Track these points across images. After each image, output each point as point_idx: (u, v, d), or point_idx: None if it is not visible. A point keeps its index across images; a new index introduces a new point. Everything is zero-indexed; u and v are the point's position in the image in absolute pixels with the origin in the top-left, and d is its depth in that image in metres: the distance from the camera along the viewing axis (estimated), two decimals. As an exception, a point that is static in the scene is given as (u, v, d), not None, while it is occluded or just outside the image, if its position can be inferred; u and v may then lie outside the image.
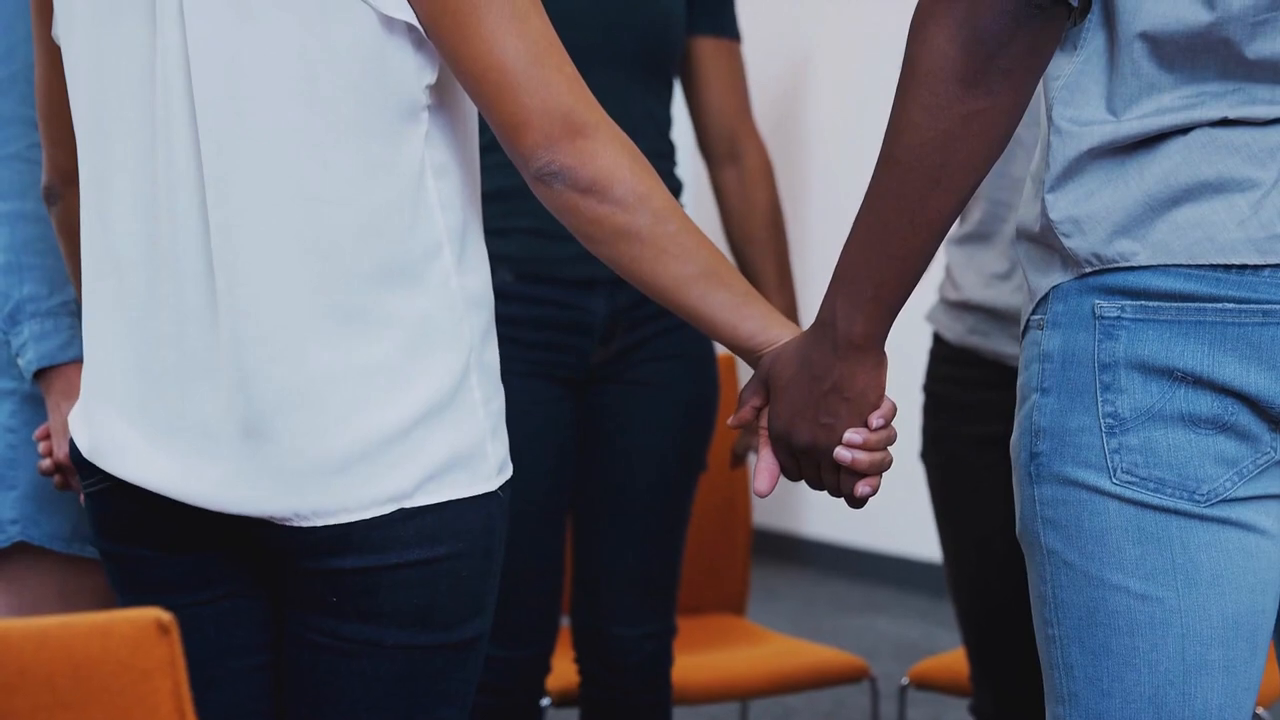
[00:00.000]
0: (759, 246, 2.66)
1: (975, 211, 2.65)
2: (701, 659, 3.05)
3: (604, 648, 2.65)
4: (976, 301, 2.62)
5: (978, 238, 2.65)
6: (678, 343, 2.59)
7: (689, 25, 2.60)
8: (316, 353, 1.62)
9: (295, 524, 1.63)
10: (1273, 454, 1.61)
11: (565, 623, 2.78)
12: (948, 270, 2.72)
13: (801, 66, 5.94)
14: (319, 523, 1.62)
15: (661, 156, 2.59)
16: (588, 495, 2.64)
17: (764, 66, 5.99)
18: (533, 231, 2.49)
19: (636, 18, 2.51)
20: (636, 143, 2.49)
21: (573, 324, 2.53)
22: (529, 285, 2.51)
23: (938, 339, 2.74)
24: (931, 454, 2.73)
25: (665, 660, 2.69)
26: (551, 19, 2.39)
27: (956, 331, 2.67)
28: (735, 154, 2.66)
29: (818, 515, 6.07)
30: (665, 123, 2.61)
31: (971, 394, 2.64)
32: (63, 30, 1.71)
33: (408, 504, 1.63)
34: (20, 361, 2.05)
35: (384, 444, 1.62)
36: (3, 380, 2.11)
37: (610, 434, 2.61)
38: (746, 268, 2.68)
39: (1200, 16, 1.56)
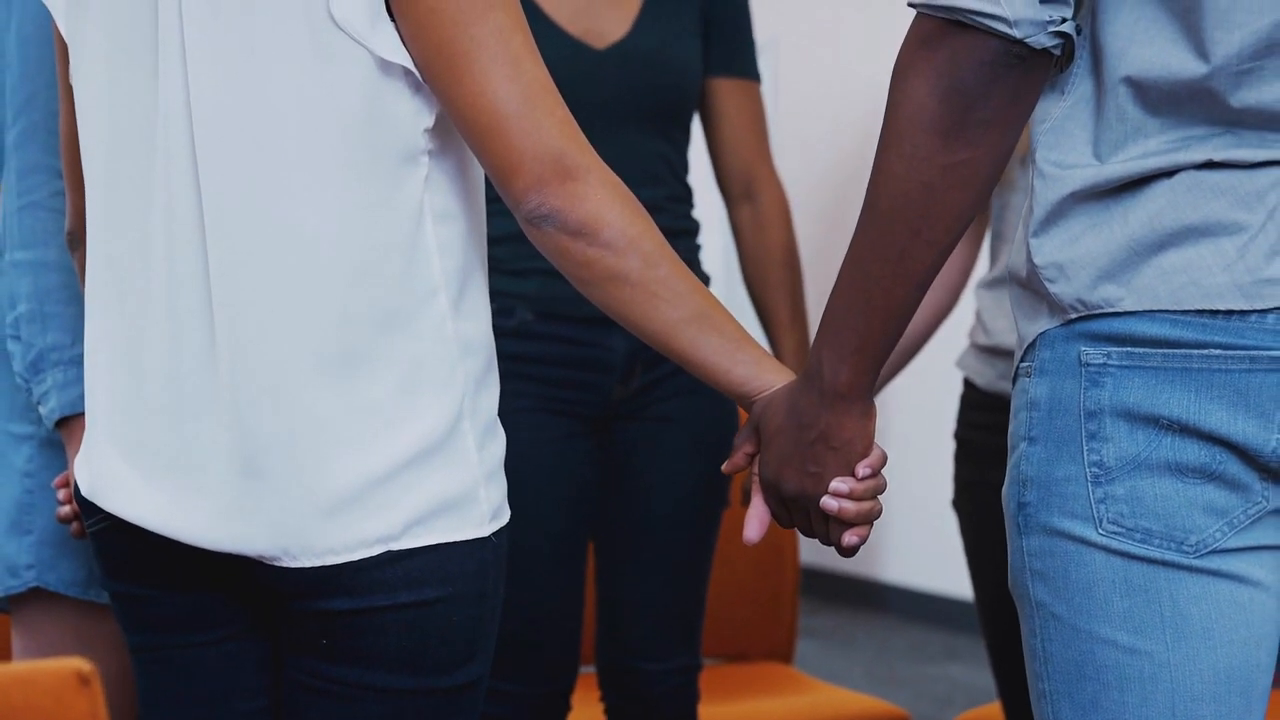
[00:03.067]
0: (773, 286, 2.65)
1: (1005, 255, 2.62)
2: (738, 708, 3.02)
3: (629, 683, 2.63)
4: (1007, 346, 2.59)
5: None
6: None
7: (708, 66, 2.60)
8: (309, 393, 1.62)
9: (285, 564, 1.63)
10: (1265, 503, 1.56)
11: (590, 670, 2.76)
12: (978, 315, 2.69)
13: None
14: (307, 563, 1.62)
15: (678, 200, 2.59)
16: (610, 531, 2.63)
17: (847, 110, 5.97)
18: (550, 272, 2.48)
19: (652, 71, 2.51)
20: (651, 188, 2.51)
21: (592, 361, 2.53)
22: (548, 324, 2.51)
23: (968, 385, 2.70)
24: (963, 501, 2.70)
25: (691, 695, 2.66)
26: (568, 74, 2.41)
27: (987, 377, 2.63)
28: (752, 194, 2.65)
29: (897, 560, 6.01)
30: (681, 167, 2.61)
31: (1002, 440, 2.58)
32: (76, 75, 1.73)
33: (395, 546, 1.62)
34: (42, 409, 2.05)
35: (372, 486, 1.62)
36: (21, 425, 2.12)
37: (632, 470, 2.60)
38: (761, 306, 2.67)
39: (1185, 65, 1.53)
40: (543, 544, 2.51)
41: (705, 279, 2.63)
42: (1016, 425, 1.64)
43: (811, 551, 6.19)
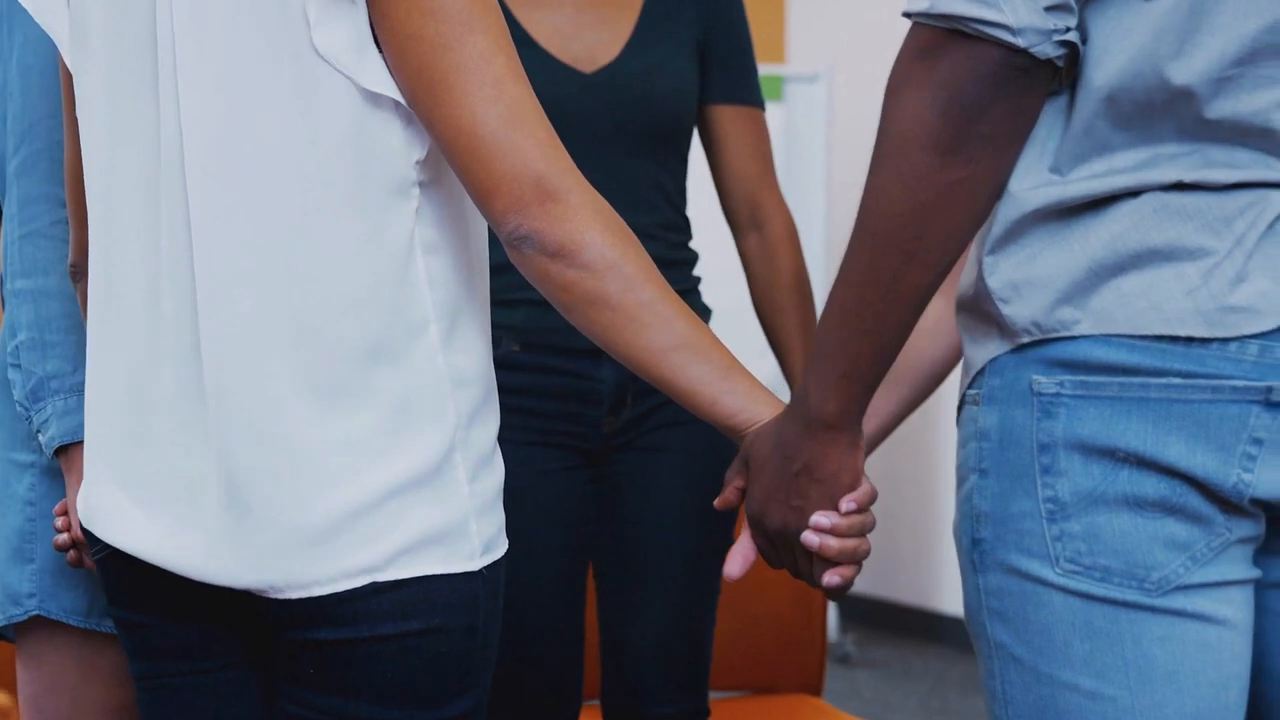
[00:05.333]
0: (783, 313, 2.60)
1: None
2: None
3: None
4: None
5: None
6: None
7: (709, 94, 2.57)
8: (295, 426, 1.61)
9: (273, 595, 1.62)
10: (1228, 534, 1.50)
11: (592, 703, 2.72)
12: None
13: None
14: (293, 594, 1.61)
15: (672, 228, 2.55)
16: (609, 567, 2.58)
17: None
18: (538, 302, 2.46)
19: (641, 95, 2.48)
20: (644, 215, 2.49)
21: (581, 393, 2.50)
22: (536, 355, 2.48)
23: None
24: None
25: None
26: (557, 100, 2.37)
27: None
28: (758, 221, 2.61)
29: (953, 591, 5.95)
30: (677, 195, 2.57)
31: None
32: (80, 107, 1.73)
33: (380, 577, 1.60)
34: (42, 438, 2.05)
35: (357, 517, 1.60)
36: (22, 453, 2.12)
37: (628, 502, 2.55)
38: (772, 334, 2.62)
39: (1165, 70, 1.47)
40: (537, 579, 2.48)
41: (706, 311, 2.60)
42: (965, 456, 1.58)
43: (868, 581, 6.13)
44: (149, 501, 1.67)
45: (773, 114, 5.80)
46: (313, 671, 1.64)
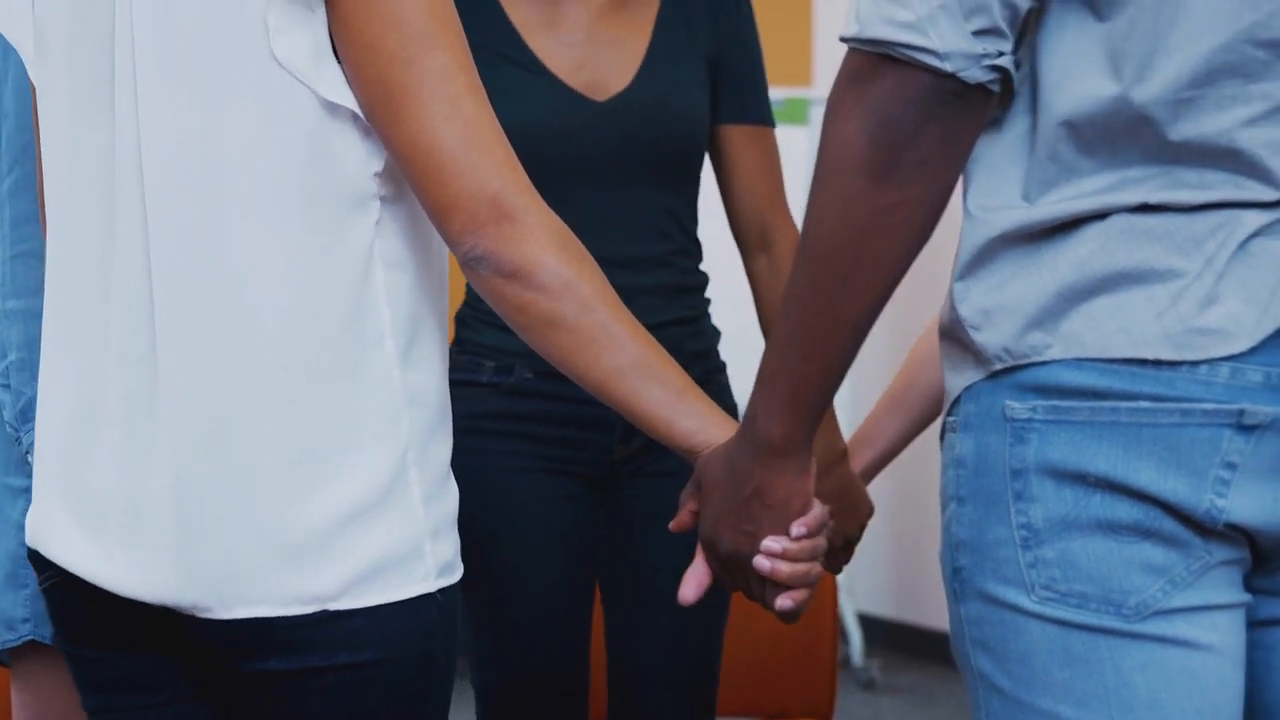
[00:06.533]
0: None
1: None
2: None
3: None
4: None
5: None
6: None
7: (720, 114, 2.54)
8: (248, 440, 1.59)
9: (219, 615, 1.59)
10: (1208, 557, 1.47)
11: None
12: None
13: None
14: (241, 613, 1.58)
15: (685, 254, 2.53)
16: (617, 590, 2.56)
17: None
18: None
19: (654, 123, 2.46)
20: (658, 243, 2.48)
21: (592, 420, 2.47)
22: (546, 382, 2.45)
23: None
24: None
25: None
26: (569, 128, 2.35)
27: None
28: (767, 242, 2.57)
29: (979, 615, 5.92)
30: (689, 220, 2.54)
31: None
32: (41, 119, 1.72)
33: (333, 606, 1.58)
34: (30, 459, 2.06)
35: (310, 542, 1.58)
36: (18, 478, 2.11)
37: (638, 528, 2.53)
38: None
39: (1123, 93, 1.45)
40: (542, 603, 2.46)
41: (716, 333, 2.59)
42: (945, 483, 1.57)
43: (893, 605, 6.11)
44: (94, 519, 1.65)
45: (799, 136, 5.80)
46: (266, 705, 1.62)
